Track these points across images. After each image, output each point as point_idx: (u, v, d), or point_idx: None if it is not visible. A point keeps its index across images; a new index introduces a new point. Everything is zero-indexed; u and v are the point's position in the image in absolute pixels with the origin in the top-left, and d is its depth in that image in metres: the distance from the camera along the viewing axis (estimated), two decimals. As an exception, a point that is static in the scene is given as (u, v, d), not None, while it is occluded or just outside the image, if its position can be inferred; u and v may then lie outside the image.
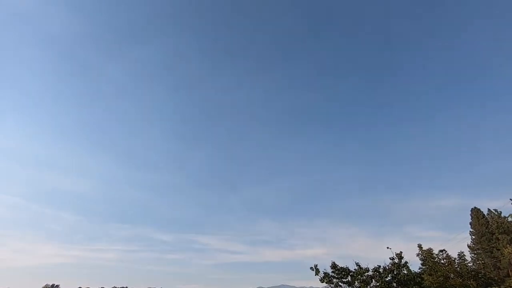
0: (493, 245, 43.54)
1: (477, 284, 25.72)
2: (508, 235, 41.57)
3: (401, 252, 24.13)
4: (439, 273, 26.06)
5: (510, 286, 28.41)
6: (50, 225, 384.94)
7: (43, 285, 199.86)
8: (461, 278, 25.66)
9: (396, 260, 23.77)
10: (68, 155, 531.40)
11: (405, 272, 22.75)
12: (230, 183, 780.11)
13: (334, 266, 23.60)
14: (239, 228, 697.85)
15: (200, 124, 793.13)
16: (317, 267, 23.93)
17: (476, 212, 49.48)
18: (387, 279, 22.66)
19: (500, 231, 42.54)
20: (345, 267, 23.59)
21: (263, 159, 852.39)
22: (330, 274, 23.59)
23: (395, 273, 22.41)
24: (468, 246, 49.49)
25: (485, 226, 46.96)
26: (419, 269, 29.14)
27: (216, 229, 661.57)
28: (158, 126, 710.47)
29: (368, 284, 22.75)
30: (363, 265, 23.72)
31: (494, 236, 44.00)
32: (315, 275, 23.48)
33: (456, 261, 29.74)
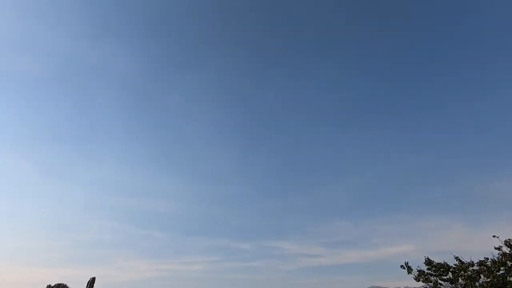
0: None
1: None
2: None
3: (510, 240, 20.27)
4: None
5: None
6: (142, 244, 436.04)
7: None
8: None
9: (507, 250, 20.01)
10: (146, 180, 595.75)
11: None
12: (298, 185, 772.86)
13: (429, 262, 20.94)
14: (315, 230, 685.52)
15: (258, 131, 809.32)
16: (409, 265, 21.60)
17: None
18: (500, 273, 19.14)
19: None
20: (442, 262, 20.75)
21: (328, 156, 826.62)
22: (426, 271, 20.97)
23: (509, 265, 18.84)
24: None
25: None
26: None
27: (292, 233, 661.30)
28: (218, 140, 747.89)
29: (476, 280, 19.57)
30: (464, 259, 20.50)
31: None
32: (408, 273, 21.17)
33: None
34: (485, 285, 20.37)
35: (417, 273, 21.15)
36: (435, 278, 20.93)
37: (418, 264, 21.90)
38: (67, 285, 76.81)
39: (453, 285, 20.69)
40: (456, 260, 21.27)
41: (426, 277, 20.94)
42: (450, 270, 20.92)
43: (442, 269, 21.07)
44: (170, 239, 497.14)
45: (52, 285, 77.24)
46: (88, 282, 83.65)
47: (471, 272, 20.16)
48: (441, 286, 21.66)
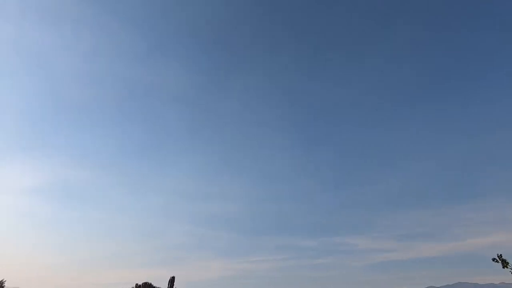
0: None
1: None
2: None
3: None
4: None
5: None
6: (214, 245, 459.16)
7: None
8: None
9: None
10: (212, 185, 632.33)
11: None
12: (361, 177, 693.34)
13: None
14: (385, 223, 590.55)
15: (316, 126, 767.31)
16: (503, 258, 13.70)
17: None
18: None
19: None
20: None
21: (394, 141, 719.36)
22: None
23: None
24: None
25: None
26: None
27: (360, 228, 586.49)
28: (276, 140, 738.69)
29: None
30: None
31: None
32: (503, 267, 13.44)
33: None
34: None
35: (515, 266, 13.45)
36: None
37: None
38: (152, 283, 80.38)
39: None
40: None
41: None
42: None
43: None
44: (239, 240, 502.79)
45: (140, 283, 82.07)
46: (169, 280, 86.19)
47: None
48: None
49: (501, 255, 15.69)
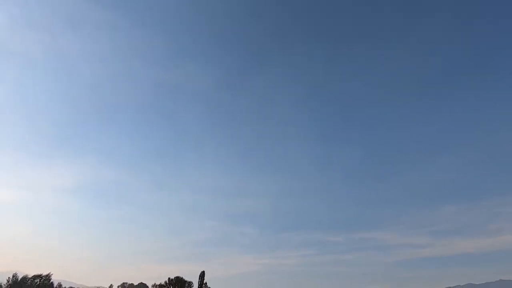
0: None
1: None
2: None
3: None
4: None
5: None
6: (238, 241, 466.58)
7: None
8: None
9: None
10: (236, 182, 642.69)
11: None
12: (385, 171, 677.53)
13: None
14: (416, 218, 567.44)
15: (337, 120, 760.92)
16: None
17: None
18: None
19: None
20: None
21: (416, 135, 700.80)
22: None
23: None
24: None
25: None
26: None
27: (388, 223, 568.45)
28: (296, 136, 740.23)
29: None
30: None
31: None
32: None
33: None
34: None
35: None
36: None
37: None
38: (183, 277, 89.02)
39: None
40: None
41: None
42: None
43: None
44: (264, 235, 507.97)
45: (172, 277, 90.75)
46: (200, 275, 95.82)
47: None
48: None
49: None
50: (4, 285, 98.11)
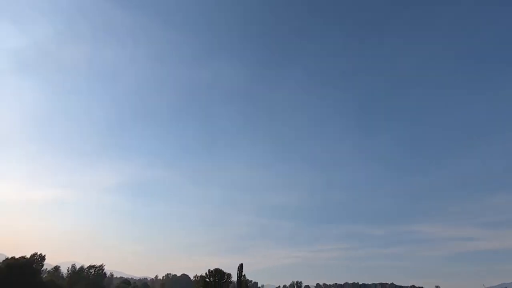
0: None
1: None
2: None
3: None
4: None
5: None
6: (276, 234, 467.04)
7: (289, 281, 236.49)
8: None
9: None
10: (270, 175, 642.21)
11: None
12: (431, 161, 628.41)
13: None
14: (464, 209, 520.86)
15: (378, 108, 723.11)
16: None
17: None
18: None
19: None
20: None
21: (465, 121, 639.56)
22: None
23: None
24: None
25: None
26: None
27: (433, 214, 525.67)
28: (331, 126, 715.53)
29: None
30: None
31: None
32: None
33: None
34: None
35: None
36: None
37: None
38: (222, 269, 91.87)
39: None
40: None
41: None
42: None
43: None
44: (301, 228, 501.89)
45: (212, 269, 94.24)
46: (238, 267, 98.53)
47: None
48: None
49: None
50: (66, 274, 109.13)
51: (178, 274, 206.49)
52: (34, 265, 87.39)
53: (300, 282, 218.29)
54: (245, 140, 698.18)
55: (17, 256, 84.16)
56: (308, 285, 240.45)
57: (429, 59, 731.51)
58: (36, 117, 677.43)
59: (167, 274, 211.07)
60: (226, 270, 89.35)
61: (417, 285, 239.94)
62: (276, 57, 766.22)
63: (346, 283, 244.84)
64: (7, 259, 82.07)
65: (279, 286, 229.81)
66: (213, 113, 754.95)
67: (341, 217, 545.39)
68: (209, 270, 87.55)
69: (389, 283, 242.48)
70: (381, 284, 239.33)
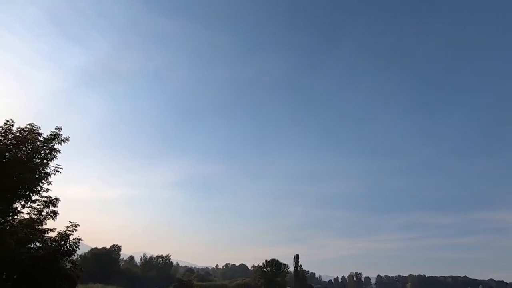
0: None
1: None
2: None
3: None
4: None
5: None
6: (330, 225, 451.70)
7: (348, 272, 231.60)
8: None
9: None
10: (321, 165, 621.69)
11: None
12: (504, 140, 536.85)
13: None
14: None
15: (436, 84, 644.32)
16: None
17: None
18: None
19: None
20: None
21: None
22: None
23: None
24: None
25: None
26: None
27: (506, 202, 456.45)
28: (387, 106, 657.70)
29: None
30: None
31: None
32: None
33: None
34: None
35: None
36: None
37: None
38: (278, 260, 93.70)
39: None
40: None
41: None
42: None
43: None
44: (358, 218, 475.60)
45: (268, 259, 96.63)
46: (294, 257, 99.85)
47: None
48: None
49: None
50: (139, 262, 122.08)
51: (237, 264, 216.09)
52: (113, 255, 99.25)
53: (360, 274, 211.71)
54: (293, 131, 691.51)
55: (99, 247, 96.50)
56: (368, 277, 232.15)
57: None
58: (102, 125, 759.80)
59: (227, 264, 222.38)
60: (282, 261, 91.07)
61: (496, 279, 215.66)
62: (319, 42, 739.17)
63: (410, 275, 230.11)
64: (92, 249, 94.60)
65: (337, 277, 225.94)
66: (259, 107, 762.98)
67: (401, 206, 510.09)
68: (266, 260, 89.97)
69: (462, 276, 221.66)
70: (451, 277, 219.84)
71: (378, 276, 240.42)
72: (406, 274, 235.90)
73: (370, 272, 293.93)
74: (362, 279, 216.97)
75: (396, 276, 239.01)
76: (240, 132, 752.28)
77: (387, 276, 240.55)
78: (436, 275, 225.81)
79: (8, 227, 13.66)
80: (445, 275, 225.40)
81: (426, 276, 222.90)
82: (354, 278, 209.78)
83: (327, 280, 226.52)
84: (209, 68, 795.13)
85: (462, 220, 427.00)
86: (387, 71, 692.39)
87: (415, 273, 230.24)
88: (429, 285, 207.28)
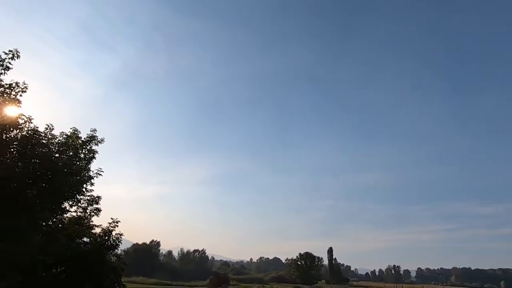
0: None
1: None
2: None
3: None
4: None
5: None
6: (361, 217, 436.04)
7: (385, 265, 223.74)
8: None
9: None
10: (347, 156, 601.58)
11: None
12: None
13: None
14: None
15: (473, 62, 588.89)
16: None
17: None
18: None
19: None
20: None
21: None
22: None
23: None
24: None
25: None
26: None
27: None
28: (417, 91, 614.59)
29: None
30: None
31: None
32: None
33: None
34: None
35: None
36: None
37: None
38: (312, 253, 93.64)
39: None
40: None
41: None
42: None
43: None
44: (389, 210, 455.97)
45: (302, 253, 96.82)
46: (328, 251, 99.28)
47: None
48: None
49: None
50: (177, 257, 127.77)
51: (270, 258, 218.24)
52: (152, 250, 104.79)
53: (398, 266, 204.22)
54: (318, 124, 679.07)
55: (140, 242, 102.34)
56: (407, 270, 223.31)
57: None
58: (135, 127, 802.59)
59: (261, 257, 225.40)
60: (315, 254, 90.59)
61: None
62: (339, 30, 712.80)
63: (454, 268, 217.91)
64: (133, 244, 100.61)
65: (374, 270, 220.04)
66: (282, 101, 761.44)
67: (439, 195, 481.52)
68: (299, 253, 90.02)
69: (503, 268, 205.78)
70: (501, 269, 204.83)
71: (419, 269, 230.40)
72: (449, 267, 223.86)
73: (409, 265, 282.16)
74: (401, 272, 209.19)
75: (438, 269, 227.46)
76: (264, 126, 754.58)
77: (428, 268, 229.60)
78: (483, 268, 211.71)
79: (59, 225, 15.05)
80: (494, 268, 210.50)
81: (472, 269, 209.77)
82: (392, 271, 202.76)
83: (363, 273, 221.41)
84: (232, 65, 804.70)
85: (505, 209, 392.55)
86: (413, 58, 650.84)
87: (459, 266, 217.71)
88: (475, 278, 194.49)
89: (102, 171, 15.58)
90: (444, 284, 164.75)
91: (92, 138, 15.47)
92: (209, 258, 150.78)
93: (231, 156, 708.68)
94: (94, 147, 15.60)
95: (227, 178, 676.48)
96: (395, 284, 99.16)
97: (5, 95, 12.34)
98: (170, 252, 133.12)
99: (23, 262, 11.13)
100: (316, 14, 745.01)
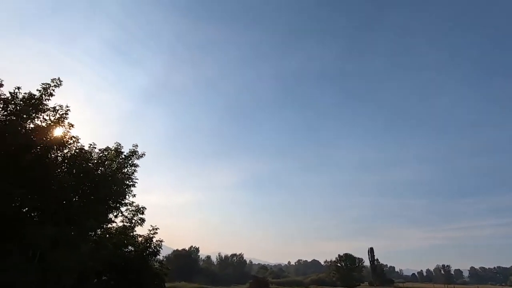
0: None
1: None
2: None
3: None
4: None
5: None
6: (403, 213, 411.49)
7: (433, 265, 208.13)
8: None
9: None
10: (383, 153, 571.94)
11: None
12: None
13: None
14: None
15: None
16: None
17: None
18: None
19: None
20: None
21: None
22: None
23: None
24: None
25: None
26: None
27: None
28: (455, 81, 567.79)
29: None
30: None
31: None
32: None
33: None
34: None
35: None
36: None
37: None
38: (352, 254, 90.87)
39: None
40: None
41: None
42: None
43: None
44: (433, 205, 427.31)
45: (341, 254, 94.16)
46: (368, 251, 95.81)
47: None
48: None
49: None
50: (216, 261, 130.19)
51: (309, 260, 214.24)
52: (192, 255, 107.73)
53: (448, 266, 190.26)
54: (345, 121, 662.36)
55: (179, 248, 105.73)
56: (459, 269, 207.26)
57: None
58: (166, 137, 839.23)
59: (299, 260, 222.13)
60: (355, 255, 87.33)
61: None
62: (361, 23, 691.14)
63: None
64: (174, 251, 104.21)
65: (421, 270, 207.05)
66: (306, 100, 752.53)
67: (490, 187, 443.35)
68: (339, 255, 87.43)
69: None
70: None
71: (472, 268, 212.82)
72: (507, 265, 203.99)
73: (461, 264, 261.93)
74: (452, 272, 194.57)
75: (495, 267, 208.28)
76: (291, 127, 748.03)
77: (483, 267, 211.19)
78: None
79: (107, 235, 16.09)
80: None
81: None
82: (442, 271, 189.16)
83: (409, 274, 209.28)
84: (255, 68, 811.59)
85: None
86: (440, 45, 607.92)
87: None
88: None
89: (137, 179, 16.48)
90: (503, 284, 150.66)
91: (133, 153, 16.52)
92: (247, 262, 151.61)
93: (260, 159, 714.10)
94: (135, 161, 16.63)
95: (258, 180, 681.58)
96: (446, 285, 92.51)
97: (52, 117, 13.51)
98: (208, 257, 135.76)
99: (75, 269, 12.04)
100: (336, 7, 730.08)
